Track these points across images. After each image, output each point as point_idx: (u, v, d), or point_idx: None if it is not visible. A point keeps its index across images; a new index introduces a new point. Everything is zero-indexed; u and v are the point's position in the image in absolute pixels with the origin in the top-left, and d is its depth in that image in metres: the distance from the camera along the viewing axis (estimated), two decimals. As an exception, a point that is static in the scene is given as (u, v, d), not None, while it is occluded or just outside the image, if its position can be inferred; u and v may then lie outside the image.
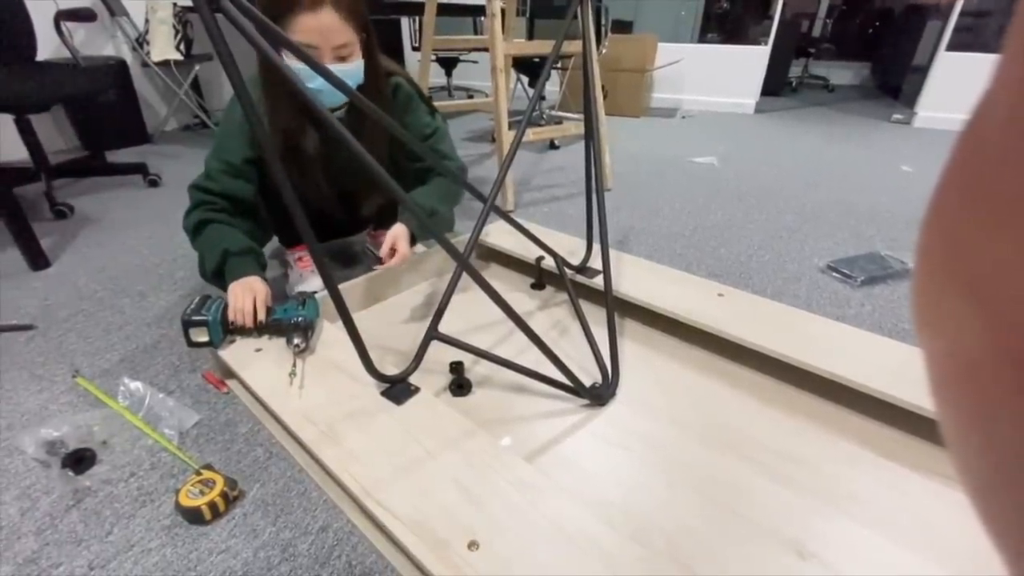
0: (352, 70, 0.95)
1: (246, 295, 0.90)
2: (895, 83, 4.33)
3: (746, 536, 0.67)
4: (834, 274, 1.35)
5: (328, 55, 0.93)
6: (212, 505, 0.69)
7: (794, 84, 4.72)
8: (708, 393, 0.92)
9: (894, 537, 0.66)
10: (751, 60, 3.54)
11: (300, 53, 0.59)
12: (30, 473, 0.78)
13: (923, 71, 3.31)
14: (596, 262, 1.16)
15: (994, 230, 0.11)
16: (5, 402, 0.91)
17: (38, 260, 1.38)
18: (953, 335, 0.13)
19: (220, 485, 0.70)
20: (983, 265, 0.12)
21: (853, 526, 0.68)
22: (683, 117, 3.49)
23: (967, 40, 2.99)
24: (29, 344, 1.07)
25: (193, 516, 0.69)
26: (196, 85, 2.76)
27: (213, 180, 1.02)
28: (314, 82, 0.90)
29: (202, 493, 0.69)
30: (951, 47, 3.02)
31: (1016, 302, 0.11)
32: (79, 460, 0.77)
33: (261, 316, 0.90)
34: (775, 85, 4.12)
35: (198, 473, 0.73)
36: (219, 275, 0.97)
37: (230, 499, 0.71)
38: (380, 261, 1.07)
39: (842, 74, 5.34)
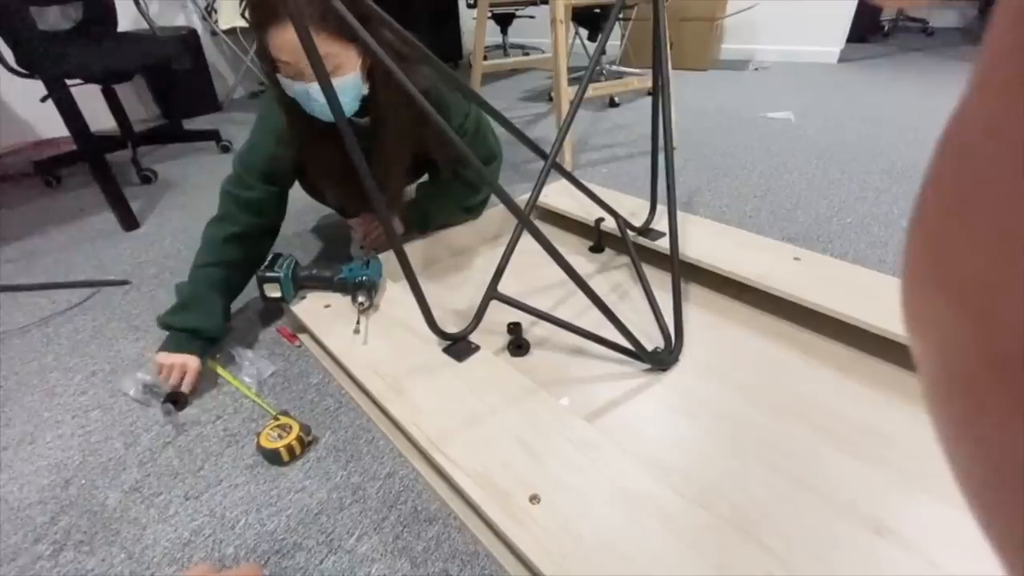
0: (338, 85, 0.80)
1: (175, 366, 0.86)
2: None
3: (818, 509, 0.64)
4: (927, 238, 1.22)
5: (306, 71, 0.83)
6: (289, 448, 0.74)
7: (887, 28, 4.22)
8: (780, 362, 0.87)
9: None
10: (836, 3, 3.19)
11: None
12: (132, 412, 0.86)
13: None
14: (659, 224, 1.11)
15: (978, 234, 0.11)
16: (108, 349, 1.01)
17: (129, 222, 1.49)
18: (941, 340, 0.13)
19: (296, 430, 0.75)
20: (968, 269, 0.12)
21: (935, 503, 0.63)
22: (756, 69, 3.23)
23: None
24: (125, 297, 1.18)
25: (272, 457, 0.74)
26: (261, 52, 2.83)
27: (243, 185, 0.99)
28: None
29: (280, 437, 0.74)
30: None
31: (1002, 307, 0.11)
32: (173, 402, 0.84)
33: (186, 389, 0.85)
34: (864, 30, 3.70)
35: (276, 419, 0.78)
36: (167, 327, 0.91)
37: (305, 443, 0.76)
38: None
39: (944, 16, 4.71)
